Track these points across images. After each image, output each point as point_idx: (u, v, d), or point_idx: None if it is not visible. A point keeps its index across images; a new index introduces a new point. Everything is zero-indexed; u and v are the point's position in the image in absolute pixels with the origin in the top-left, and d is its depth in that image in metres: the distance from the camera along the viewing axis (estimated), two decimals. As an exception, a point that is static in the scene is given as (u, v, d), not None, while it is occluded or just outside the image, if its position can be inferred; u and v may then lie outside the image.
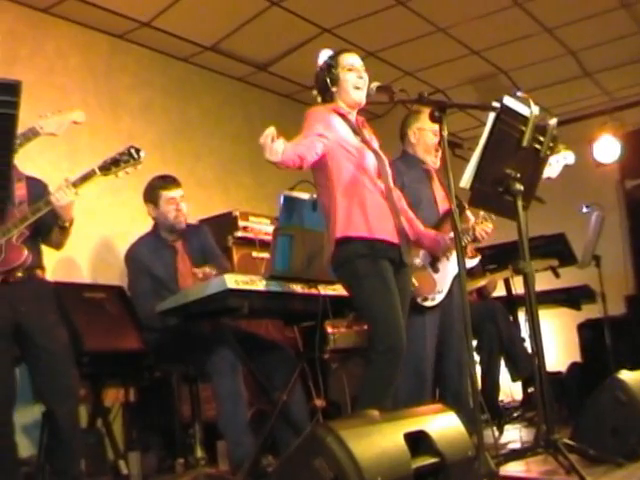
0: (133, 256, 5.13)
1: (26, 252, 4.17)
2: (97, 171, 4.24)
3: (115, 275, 5.91)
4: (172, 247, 5.21)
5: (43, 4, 6.18)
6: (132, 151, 4.33)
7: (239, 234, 6.31)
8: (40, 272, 4.38)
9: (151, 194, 5.20)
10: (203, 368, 4.68)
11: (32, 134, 4.11)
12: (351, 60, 4.28)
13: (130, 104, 6.85)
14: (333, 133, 4.10)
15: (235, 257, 6.22)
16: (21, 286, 4.19)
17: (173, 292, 4.78)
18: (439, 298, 4.85)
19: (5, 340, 4.14)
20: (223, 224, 6.24)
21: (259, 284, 4.36)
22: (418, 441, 2.63)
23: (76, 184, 4.19)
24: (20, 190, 4.34)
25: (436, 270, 4.91)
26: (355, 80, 4.23)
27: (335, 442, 2.38)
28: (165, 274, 5.08)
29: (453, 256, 4.78)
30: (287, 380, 4.68)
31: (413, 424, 2.71)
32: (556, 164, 4.79)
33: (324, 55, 4.34)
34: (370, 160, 4.21)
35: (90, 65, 6.57)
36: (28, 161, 4.45)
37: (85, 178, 4.22)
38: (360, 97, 4.25)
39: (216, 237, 5.80)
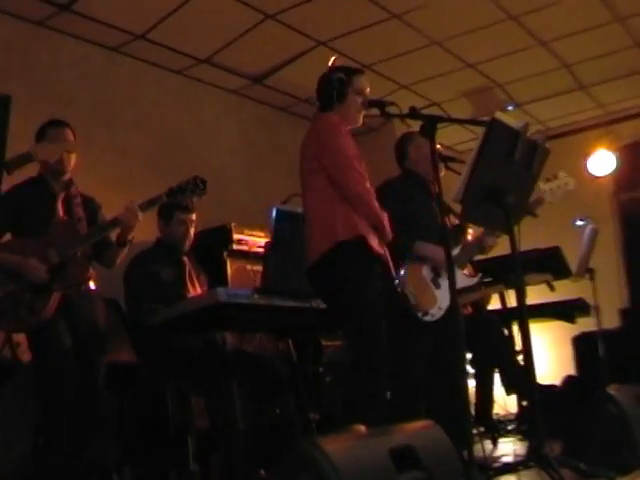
0: (139, 260, 5.12)
1: (91, 269, 4.41)
2: (164, 197, 4.48)
3: (109, 288, 5.89)
4: (180, 260, 5.21)
5: (38, 17, 6.20)
6: (198, 182, 4.53)
7: (234, 247, 6.31)
8: (92, 284, 4.56)
9: (165, 211, 5.22)
10: (197, 381, 4.69)
11: (27, 159, 4.18)
12: (363, 84, 4.29)
13: (124, 117, 6.86)
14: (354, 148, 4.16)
15: (229, 270, 6.22)
16: (80, 300, 4.41)
17: (181, 299, 4.82)
18: (438, 314, 4.83)
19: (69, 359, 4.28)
20: (218, 237, 6.24)
21: (252, 298, 4.36)
22: (404, 456, 2.62)
23: (143, 207, 4.40)
24: (77, 207, 4.56)
25: (437, 286, 4.90)
26: (360, 106, 4.24)
27: (320, 457, 2.38)
28: (174, 280, 5.09)
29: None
30: (279, 394, 4.68)
31: (399, 439, 2.70)
32: (557, 190, 4.83)
33: (335, 65, 4.34)
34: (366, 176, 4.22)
35: (84, 78, 6.58)
36: (22, 173, 4.47)
37: (152, 203, 4.47)
38: (360, 120, 4.31)
39: (211, 250, 5.80)
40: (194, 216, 5.27)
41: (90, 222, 4.55)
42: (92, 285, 4.54)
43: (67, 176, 4.60)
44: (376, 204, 4.12)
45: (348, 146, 4.12)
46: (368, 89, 4.29)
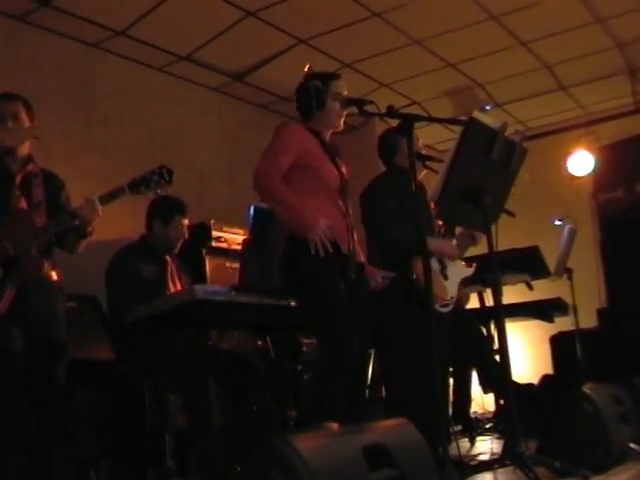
0: (122, 256, 5.08)
1: (45, 265, 4.14)
2: (126, 189, 4.16)
3: (88, 285, 5.87)
4: (163, 259, 5.18)
5: (18, 12, 6.16)
6: (164, 171, 4.25)
7: (213, 244, 6.32)
8: (54, 274, 4.30)
9: (165, 212, 5.15)
10: (175, 379, 4.69)
11: None
12: (341, 89, 4.28)
13: (104, 113, 6.83)
14: (299, 151, 4.13)
15: (208, 267, 6.22)
16: (37, 294, 4.14)
17: None
18: (451, 304, 4.90)
19: (17, 363, 4.06)
20: (197, 234, 6.21)
21: (229, 295, 4.36)
22: (377, 454, 2.62)
23: (103, 200, 4.12)
24: (37, 188, 4.28)
25: (445, 277, 4.96)
26: (340, 110, 4.25)
27: (292, 454, 2.38)
28: (155, 278, 5.05)
29: (453, 263, 5.05)
30: (257, 391, 4.68)
31: (372, 437, 2.70)
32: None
33: (311, 72, 4.35)
34: (334, 179, 4.21)
35: (64, 73, 6.55)
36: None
37: (113, 195, 4.15)
38: (341, 124, 4.32)
39: (190, 247, 5.79)
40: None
41: (51, 203, 4.29)
42: (54, 276, 4.29)
43: (25, 151, 4.33)
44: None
45: (283, 152, 4.11)
46: (345, 92, 4.28)
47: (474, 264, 5.21)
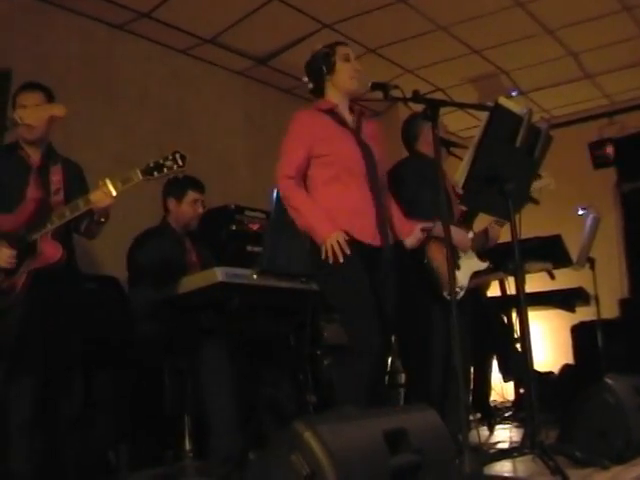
0: (144, 239, 5.12)
1: (62, 249, 4.13)
2: (139, 175, 4.13)
3: (108, 266, 5.90)
4: (182, 242, 5.20)
5: (42, -7, 6.16)
6: (177, 157, 4.21)
7: (234, 227, 6.31)
8: (71, 259, 4.36)
9: (177, 190, 5.20)
10: (194, 361, 4.69)
11: (11, 124, 4.09)
12: (347, 51, 4.31)
13: (128, 95, 6.81)
14: (312, 143, 4.13)
15: (229, 250, 6.21)
16: (52, 279, 4.14)
17: None
18: (460, 294, 4.87)
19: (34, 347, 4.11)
20: (219, 217, 6.23)
21: (250, 278, 4.36)
22: (398, 439, 2.62)
23: (116, 187, 4.10)
24: (56, 175, 4.32)
25: (458, 267, 4.93)
26: (352, 71, 4.25)
27: (312, 437, 2.37)
28: (175, 262, 5.08)
29: (468, 255, 4.97)
30: (276, 375, 4.69)
31: (393, 421, 2.70)
32: (539, 190, 4.83)
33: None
34: (356, 162, 4.19)
35: (88, 55, 6.53)
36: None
37: (126, 181, 4.13)
38: (356, 85, 4.28)
39: (211, 230, 5.79)
40: (203, 195, 5.25)
41: (70, 190, 4.31)
42: (72, 261, 4.37)
43: (45, 140, 4.38)
44: (306, 208, 4.07)
45: (297, 149, 4.14)
46: (354, 56, 4.31)
47: (487, 260, 5.19)
